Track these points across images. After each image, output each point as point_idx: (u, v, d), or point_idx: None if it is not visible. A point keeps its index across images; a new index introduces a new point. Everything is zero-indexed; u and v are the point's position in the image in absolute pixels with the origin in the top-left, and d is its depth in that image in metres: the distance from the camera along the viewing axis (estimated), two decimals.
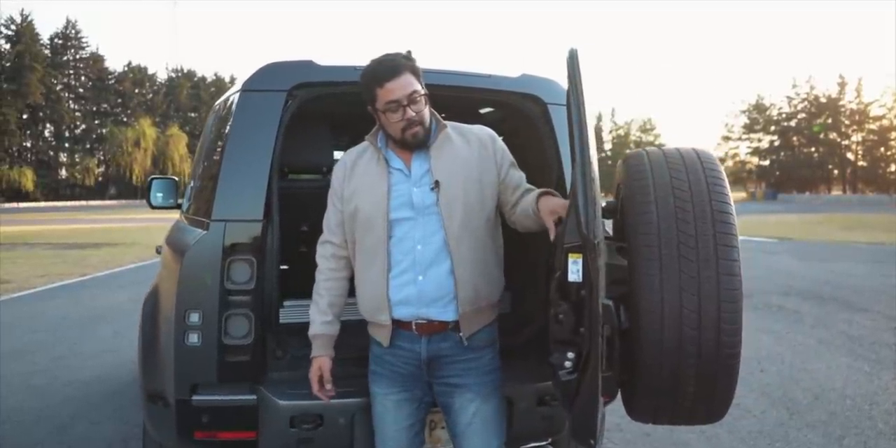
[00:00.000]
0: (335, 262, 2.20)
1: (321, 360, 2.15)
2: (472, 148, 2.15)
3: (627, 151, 3.20)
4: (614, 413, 4.17)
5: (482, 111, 3.40)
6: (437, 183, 2.07)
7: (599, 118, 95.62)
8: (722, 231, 1.77)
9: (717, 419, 1.96)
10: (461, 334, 2.10)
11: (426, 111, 2.08)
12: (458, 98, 2.76)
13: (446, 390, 2.14)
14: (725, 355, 1.76)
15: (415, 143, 2.08)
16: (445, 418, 2.19)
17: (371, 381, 2.20)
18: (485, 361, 2.16)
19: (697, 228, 1.77)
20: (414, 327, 2.08)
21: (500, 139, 2.23)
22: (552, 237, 1.91)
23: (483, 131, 2.22)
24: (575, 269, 1.74)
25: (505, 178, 2.17)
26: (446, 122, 2.17)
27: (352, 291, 2.24)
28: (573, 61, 1.82)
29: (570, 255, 1.74)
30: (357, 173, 2.16)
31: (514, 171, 2.21)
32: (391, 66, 2.02)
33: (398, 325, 2.10)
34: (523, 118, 2.76)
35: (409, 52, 2.14)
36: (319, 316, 2.18)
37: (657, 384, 1.81)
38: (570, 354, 1.78)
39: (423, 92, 2.05)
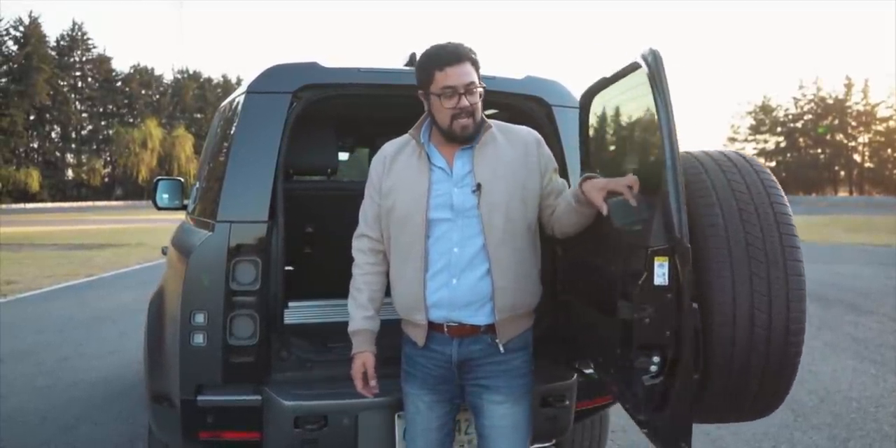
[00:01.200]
0: (373, 257, 2.16)
1: (364, 357, 2.11)
2: (517, 151, 2.09)
3: None
4: (619, 415, 4.16)
5: (486, 112, 3.40)
6: (478, 186, 2.01)
7: (604, 119, 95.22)
8: (786, 232, 1.81)
9: (769, 413, 2.00)
10: (498, 340, 2.05)
11: (479, 107, 2.03)
12: None
13: (476, 391, 2.11)
14: (792, 353, 1.80)
15: (463, 136, 2.02)
16: (474, 420, 2.16)
17: (404, 381, 2.18)
18: (517, 364, 2.11)
19: (763, 230, 1.80)
20: (446, 330, 2.05)
21: (544, 143, 2.17)
22: (604, 212, 1.87)
23: (529, 134, 2.15)
24: (661, 273, 1.72)
25: (548, 184, 2.12)
26: (491, 121, 2.11)
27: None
28: (658, 63, 1.76)
29: (656, 258, 1.72)
30: (396, 168, 2.10)
31: (556, 177, 2.16)
32: (455, 51, 1.98)
33: (430, 326, 2.06)
34: (528, 120, 2.76)
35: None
36: (360, 311, 2.14)
37: (725, 383, 1.83)
38: (656, 358, 1.77)
39: (480, 86, 2.00)
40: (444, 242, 2.03)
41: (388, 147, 2.17)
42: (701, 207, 1.84)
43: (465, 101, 1.96)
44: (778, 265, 1.77)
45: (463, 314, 2.03)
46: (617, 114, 2.27)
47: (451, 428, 2.19)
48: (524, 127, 2.20)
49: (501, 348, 2.06)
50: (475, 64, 2.00)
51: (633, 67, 1.91)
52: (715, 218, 1.81)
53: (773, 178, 1.92)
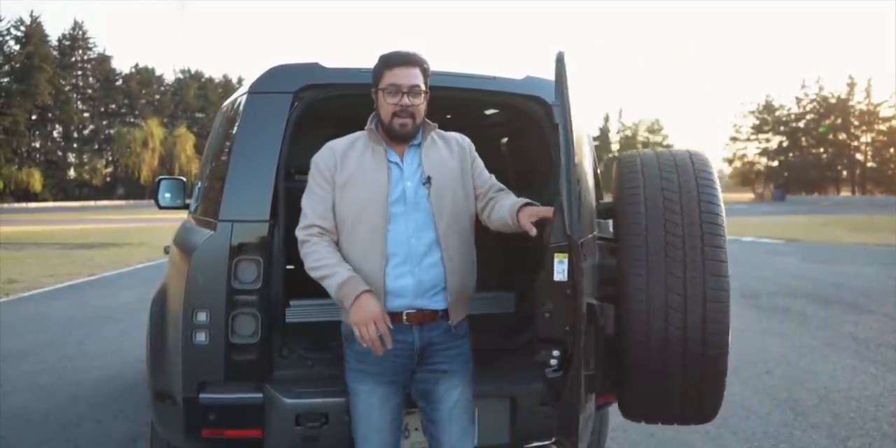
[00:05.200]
0: (328, 239, 2.15)
1: (370, 300, 1.99)
2: (454, 151, 2.29)
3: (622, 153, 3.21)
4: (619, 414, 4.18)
5: (487, 112, 3.42)
6: (428, 178, 2.17)
7: (606, 119, 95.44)
8: (710, 232, 1.81)
9: (709, 419, 1.98)
10: (450, 322, 2.19)
11: (421, 109, 2.17)
12: (464, 100, 2.78)
13: (432, 377, 2.20)
14: (711, 355, 1.79)
15: (401, 133, 2.15)
16: (424, 407, 2.23)
17: (354, 380, 2.20)
18: (465, 350, 2.27)
19: (685, 230, 1.81)
20: (405, 318, 2.14)
21: (474, 148, 2.36)
22: (532, 234, 2.00)
23: (463, 139, 2.35)
24: (560, 269, 1.78)
25: (476, 172, 2.30)
26: (433, 124, 2.26)
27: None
28: (561, 65, 1.86)
29: (555, 254, 1.78)
30: (350, 161, 2.17)
31: (485, 173, 2.33)
32: (406, 56, 2.15)
33: (390, 317, 2.10)
34: (528, 119, 2.78)
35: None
36: (341, 267, 2.07)
37: (643, 383, 1.86)
38: (556, 352, 1.82)
39: (424, 89, 2.15)
40: (400, 233, 2.14)
41: (336, 143, 2.24)
42: (627, 206, 1.87)
43: (406, 100, 2.11)
44: (697, 265, 1.77)
45: (424, 300, 2.15)
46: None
47: (399, 424, 2.24)
48: (457, 133, 2.37)
49: (453, 329, 2.20)
50: (424, 71, 2.16)
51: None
52: (637, 217, 1.83)
53: (712, 178, 1.91)
